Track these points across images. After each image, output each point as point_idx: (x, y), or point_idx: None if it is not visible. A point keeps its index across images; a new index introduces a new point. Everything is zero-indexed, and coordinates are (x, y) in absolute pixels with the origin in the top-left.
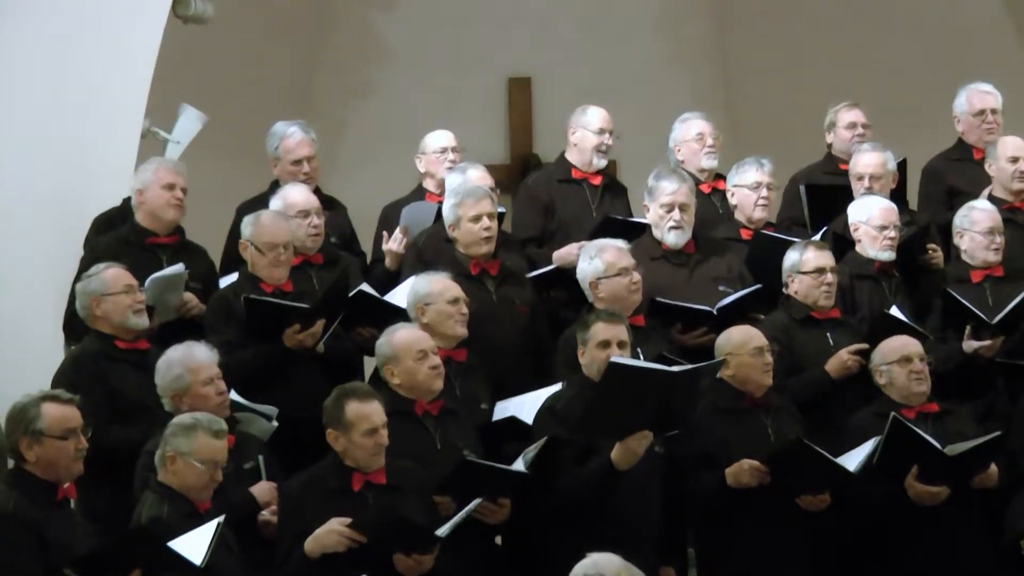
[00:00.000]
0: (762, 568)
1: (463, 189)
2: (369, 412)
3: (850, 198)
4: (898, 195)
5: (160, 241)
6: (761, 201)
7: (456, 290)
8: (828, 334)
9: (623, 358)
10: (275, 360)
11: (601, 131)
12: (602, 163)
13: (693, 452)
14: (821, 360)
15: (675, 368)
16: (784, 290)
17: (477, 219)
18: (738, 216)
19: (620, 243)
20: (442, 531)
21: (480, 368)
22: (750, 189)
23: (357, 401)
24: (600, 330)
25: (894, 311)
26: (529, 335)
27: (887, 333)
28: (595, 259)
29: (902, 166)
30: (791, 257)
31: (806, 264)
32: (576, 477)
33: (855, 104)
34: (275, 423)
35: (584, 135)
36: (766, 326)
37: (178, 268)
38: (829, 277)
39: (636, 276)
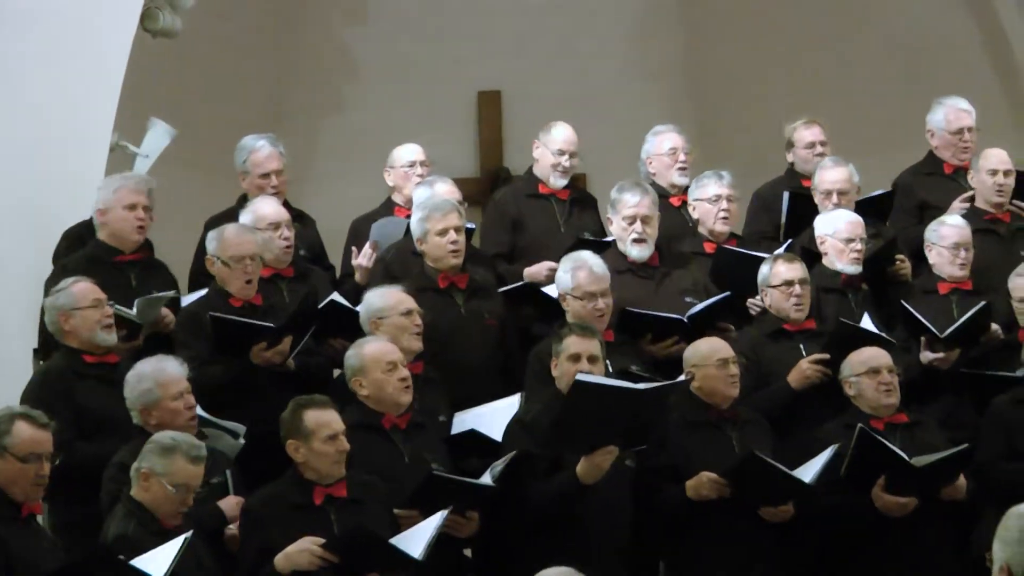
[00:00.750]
0: None
1: (431, 203)
2: (328, 419)
3: None
4: (882, 212)
5: (127, 259)
6: (722, 214)
7: (409, 302)
8: (801, 346)
9: (589, 375)
10: (244, 376)
11: (560, 152)
12: (560, 183)
13: (658, 465)
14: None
15: (641, 385)
16: (751, 305)
17: (444, 233)
18: (701, 230)
19: (598, 266)
20: (418, 552)
21: (438, 380)
22: (710, 203)
23: (315, 409)
24: (572, 343)
25: (865, 321)
26: (498, 349)
27: (847, 341)
28: (567, 273)
29: (890, 196)
30: (762, 272)
31: (775, 277)
32: (542, 491)
33: (813, 121)
34: (242, 440)
35: (544, 153)
36: (736, 341)
37: (170, 293)
38: (798, 289)
39: (601, 304)
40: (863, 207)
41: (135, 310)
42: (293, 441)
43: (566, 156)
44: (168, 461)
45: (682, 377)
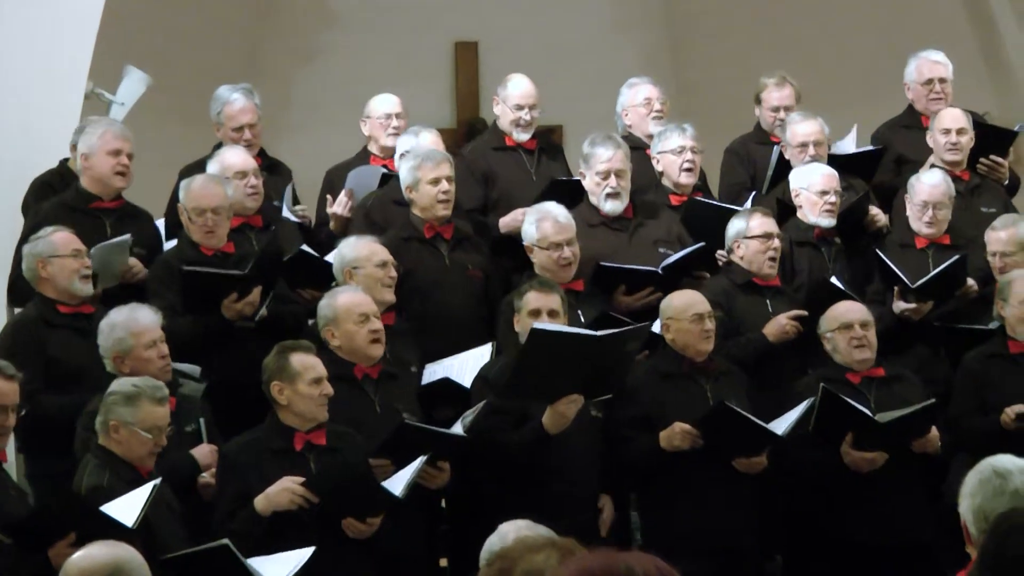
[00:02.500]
0: (705, 530)
1: (423, 152)
2: (315, 363)
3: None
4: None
5: (104, 206)
6: (686, 165)
7: (384, 254)
8: (768, 301)
9: (547, 324)
10: (216, 328)
11: (519, 107)
12: (524, 137)
13: (631, 415)
14: (760, 326)
15: (600, 332)
16: (727, 255)
17: (436, 182)
18: (665, 182)
19: (563, 216)
20: (399, 490)
21: (409, 332)
22: (674, 154)
23: (301, 352)
24: (532, 299)
25: (833, 279)
26: (482, 300)
27: (824, 300)
28: (533, 225)
29: (879, 153)
30: (736, 224)
31: (753, 230)
32: (510, 441)
33: (784, 82)
34: (204, 382)
35: (504, 110)
36: (707, 290)
37: (124, 238)
38: (775, 243)
39: (568, 253)
40: (852, 162)
41: (91, 258)
42: (278, 383)
43: (525, 110)
44: (135, 409)
45: (654, 328)
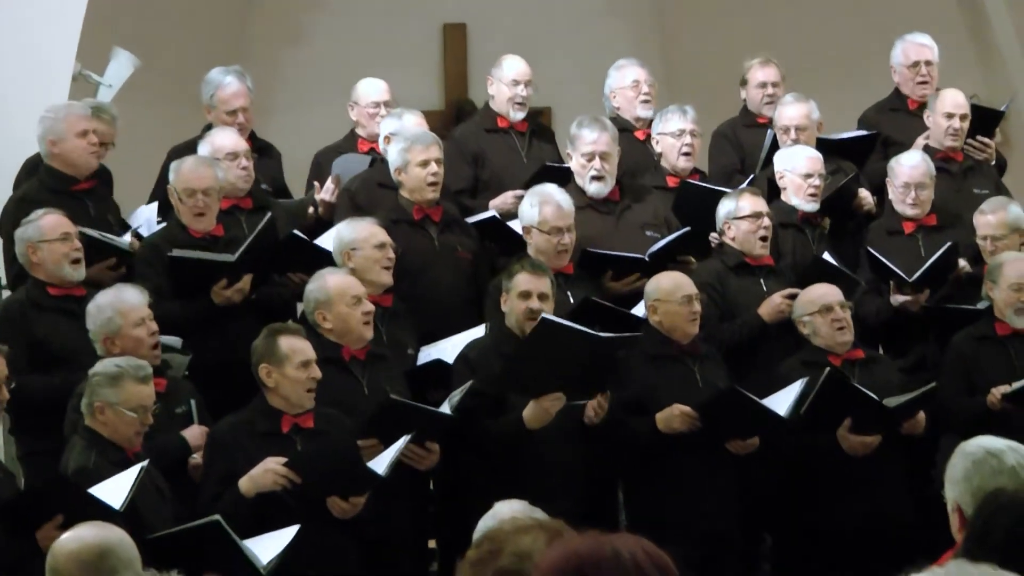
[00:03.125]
0: (691, 514)
1: (412, 134)
2: (303, 346)
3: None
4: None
5: (83, 187)
6: (684, 149)
7: (382, 235)
8: (761, 281)
9: (555, 317)
10: (203, 315)
11: (515, 83)
12: (519, 116)
13: (622, 398)
14: (754, 307)
15: (604, 334)
16: (719, 237)
17: (425, 164)
18: (664, 164)
19: (565, 201)
20: (382, 469)
21: (406, 314)
22: (674, 137)
23: (290, 335)
24: (523, 280)
25: (826, 256)
26: (471, 282)
27: (819, 279)
28: (535, 207)
29: (872, 138)
30: (726, 205)
31: (742, 210)
32: (490, 431)
33: (769, 61)
34: (189, 354)
35: (499, 88)
36: (699, 273)
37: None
38: (766, 222)
39: (567, 239)
40: (844, 147)
41: (127, 236)
42: (266, 366)
43: (521, 86)
44: (119, 389)
45: (637, 309)
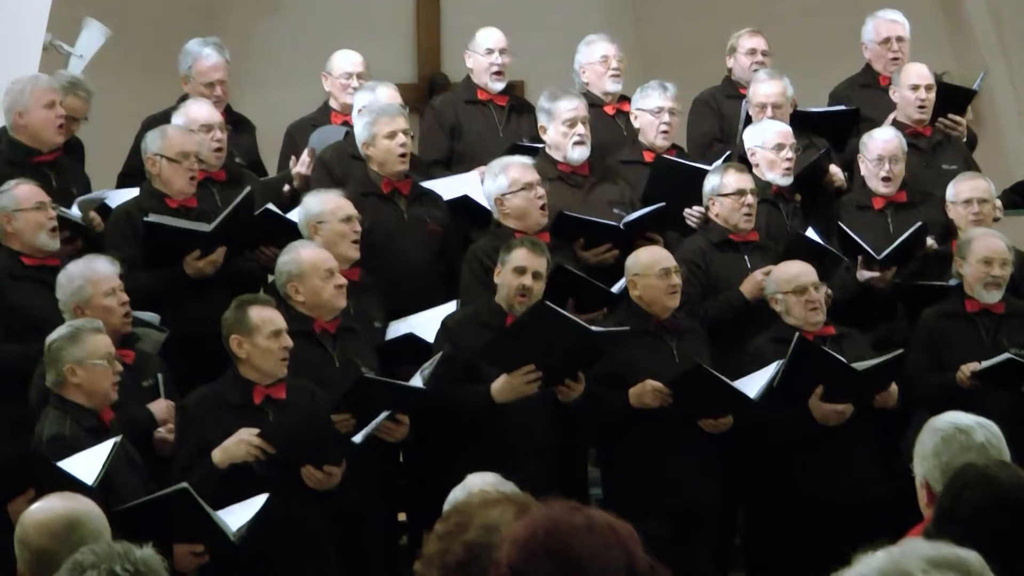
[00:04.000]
0: (667, 488)
1: (378, 106)
2: (273, 316)
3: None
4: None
5: (46, 159)
6: (663, 127)
7: (349, 208)
8: (746, 257)
9: (552, 304)
10: (175, 285)
11: (490, 51)
12: (499, 86)
13: (599, 372)
14: (738, 283)
15: (596, 328)
16: (688, 215)
17: (392, 136)
18: (642, 139)
19: (525, 159)
20: (357, 438)
21: (373, 287)
22: (652, 115)
23: (260, 306)
24: (520, 256)
25: (809, 232)
26: (440, 255)
27: (802, 256)
28: (499, 176)
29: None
30: (711, 180)
31: (727, 187)
32: (454, 398)
33: (757, 31)
34: (165, 331)
35: (476, 59)
36: (683, 250)
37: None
38: (749, 199)
39: (541, 191)
40: (822, 121)
41: (76, 210)
42: (236, 336)
43: (496, 54)
44: (80, 345)
45: (617, 285)
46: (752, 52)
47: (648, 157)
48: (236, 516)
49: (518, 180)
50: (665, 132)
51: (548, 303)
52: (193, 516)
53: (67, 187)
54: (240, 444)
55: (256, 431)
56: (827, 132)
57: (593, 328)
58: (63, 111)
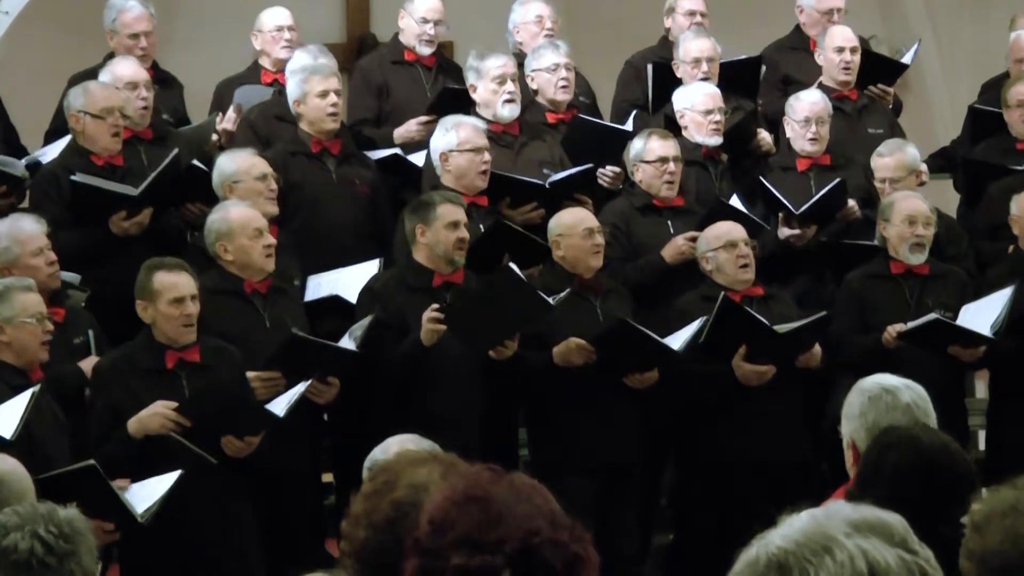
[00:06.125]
0: (593, 448)
1: (311, 65)
2: (176, 281)
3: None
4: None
5: None
6: (561, 83)
7: (263, 166)
8: (669, 222)
9: (516, 270)
10: (100, 244)
11: (424, 21)
12: (426, 51)
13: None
14: (660, 248)
15: (552, 299)
16: (601, 176)
17: (324, 95)
18: (540, 100)
19: (479, 122)
20: (280, 410)
21: (290, 244)
22: (549, 72)
23: (164, 271)
24: (448, 211)
25: (734, 200)
26: (370, 216)
27: (719, 219)
28: (451, 131)
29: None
30: (635, 146)
31: (649, 153)
32: (391, 355)
33: None
34: (87, 290)
35: (409, 23)
36: (606, 213)
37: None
38: (672, 167)
39: (487, 156)
40: (730, 73)
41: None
42: (141, 301)
43: (430, 24)
44: (10, 303)
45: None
46: (691, 13)
47: (551, 118)
48: (147, 492)
49: (467, 141)
50: (564, 87)
51: (513, 269)
52: (100, 493)
53: None
54: (155, 417)
55: (173, 404)
56: (738, 86)
57: (549, 300)
58: None
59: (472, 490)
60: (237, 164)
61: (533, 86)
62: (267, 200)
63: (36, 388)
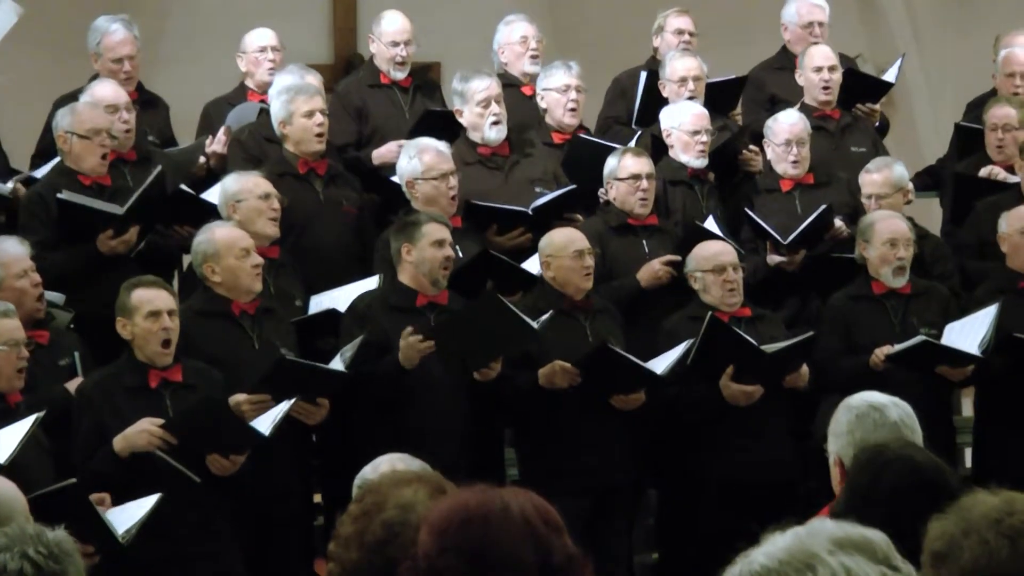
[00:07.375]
0: (580, 468)
1: (296, 85)
2: (152, 296)
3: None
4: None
5: None
6: (570, 105)
7: (267, 186)
8: (644, 241)
9: (502, 297)
10: (89, 263)
11: (394, 44)
12: (400, 75)
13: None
14: (634, 267)
15: (537, 323)
16: (601, 195)
17: (310, 115)
18: (548, 120)
19: (443, 146)
20: (266, 429)
21: (293, 265)
22: (559, 93)
23: (142, 288)
24: (435, 230)
25: (709, 223)
26: (357, 236)
27: (695, 241)
28: (414, 159)
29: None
30: (609, 163)
31: (622, 171)
32: (372, 375)
33: (685, 11)
34: (71, 311)
35: (379, 47)
36: (582, 231)
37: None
38: (644, 184)
39: (453, 182)
40: (716, 93)
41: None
42: (121, 319)
43: (400, 47)
44: None
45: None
46: (680, 32)
47: (557, 138)
48: (127, 516)
49: (431, 168)
50: (573, 110)
51: (497, 295)
52: (82, 514)
53: None
54: (141, 434)
55: (159, 421)
56: (721, 105)
57: (534, 324)
58: None
59: (464, 537)
60: (241, 183)
61: (543, 105)
62: (269, 220)
63: (41, 415)
